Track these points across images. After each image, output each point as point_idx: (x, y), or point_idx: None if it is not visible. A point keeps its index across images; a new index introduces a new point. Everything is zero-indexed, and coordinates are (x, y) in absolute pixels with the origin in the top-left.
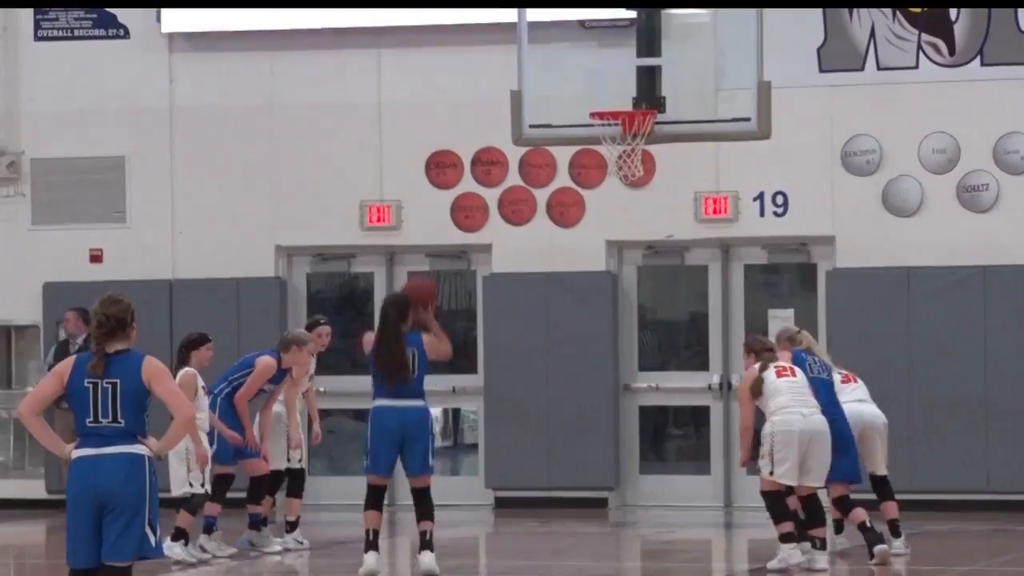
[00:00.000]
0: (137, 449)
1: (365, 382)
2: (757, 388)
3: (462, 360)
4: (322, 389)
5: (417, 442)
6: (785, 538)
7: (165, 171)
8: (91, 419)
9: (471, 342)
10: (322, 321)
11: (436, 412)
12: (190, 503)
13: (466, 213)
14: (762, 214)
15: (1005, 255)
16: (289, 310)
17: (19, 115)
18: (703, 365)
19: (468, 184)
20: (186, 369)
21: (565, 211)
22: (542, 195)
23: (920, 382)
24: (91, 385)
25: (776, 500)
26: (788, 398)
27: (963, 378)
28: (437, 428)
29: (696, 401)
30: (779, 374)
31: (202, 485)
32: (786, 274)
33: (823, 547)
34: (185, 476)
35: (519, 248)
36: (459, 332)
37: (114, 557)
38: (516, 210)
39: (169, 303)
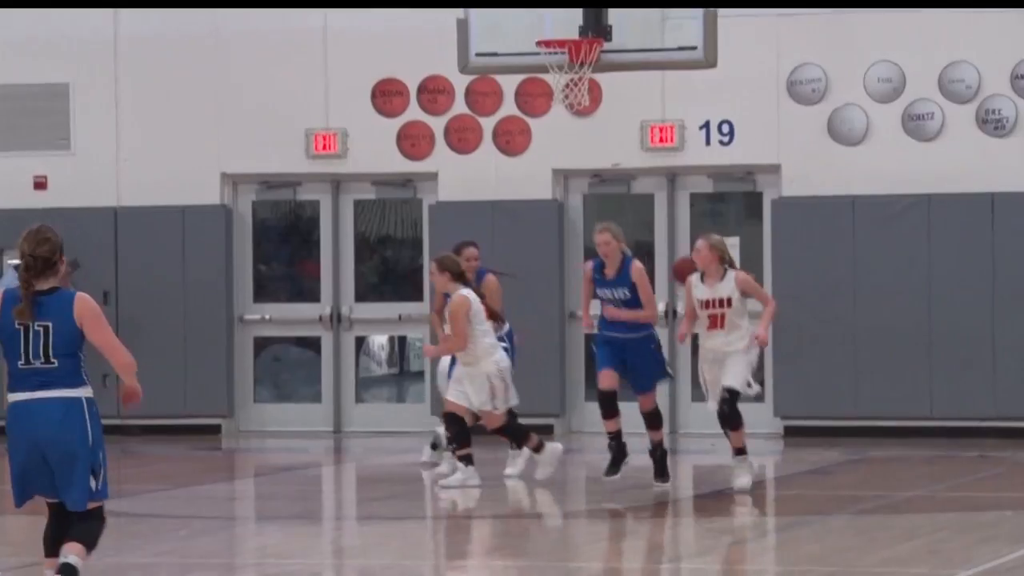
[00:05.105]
0: (74, 392)
1: (308, 310)
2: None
3: (408, 288)
4: (267, 317)
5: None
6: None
7: (110, 99)
8: (23, 362)
9: (417, 270)
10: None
11: (382, 340)
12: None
13: (412, 141)
14: (708, 143)
15: (950, 184)
16: (235, 238)
17: None
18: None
19: (414, 112)
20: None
21: (511, 140)
22: (488, 123)
23: (864, 310)
24: (22, 327)
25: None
26: (492, 333)
27: (907, 306)
28: (384, 355)
29: None
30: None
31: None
32: (732, 203)
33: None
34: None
35: (465, 176)
36: (404, 260)
37: (72, 506)
38: (462, 138)
39: (114, 231)
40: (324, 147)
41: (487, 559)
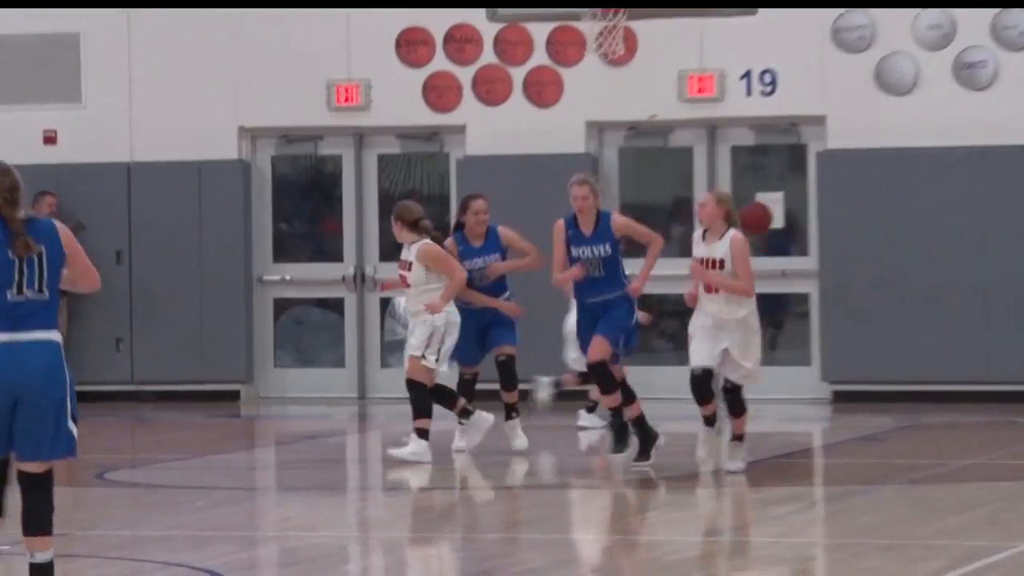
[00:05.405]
0: (51, 335)
1: (330, 270)
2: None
3: None
4: (288, 277)
5: None
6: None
7: (122, 49)
8: (14, 292)
9: (443, 227)
10: None
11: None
12: None
13: (438, 93)
14: (749, 93)
15: (1004, 134)
16: (253, 194)
17: None
18: (687, 251)
19: (440, 62)
20: None
21: (542, 91)
22: (518, 74)
23: (915, 269)
24: (16, 258)
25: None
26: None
27: (960, 264)
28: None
29: (681, 288)
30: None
31: None
32: (775, 156)
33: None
34: None
35: (494, 129)
36: (431, 217)
37: (41, 457)
38: (491, 90)
39: (127, 187)
40: (346, 99)
41: (522, 531)
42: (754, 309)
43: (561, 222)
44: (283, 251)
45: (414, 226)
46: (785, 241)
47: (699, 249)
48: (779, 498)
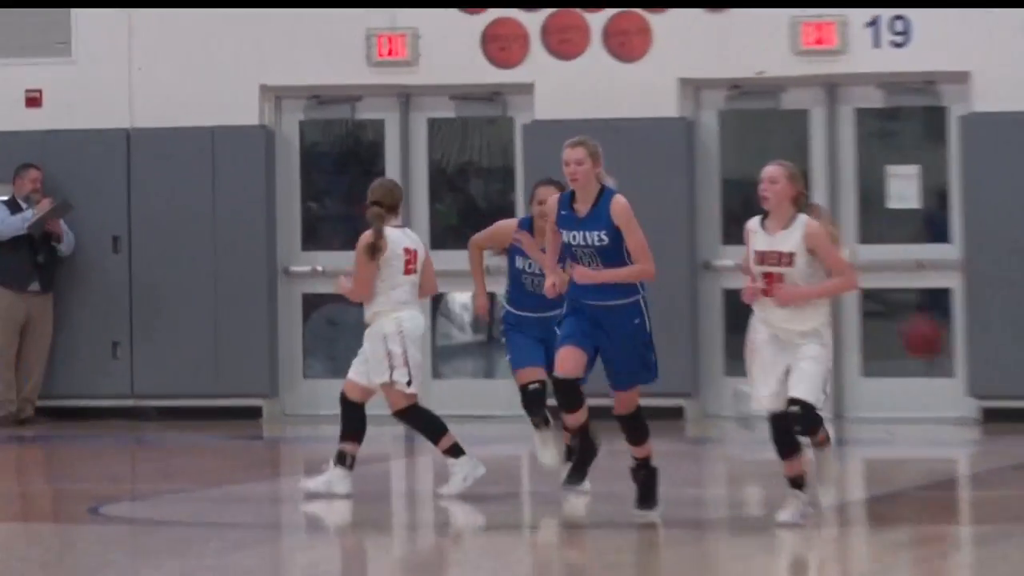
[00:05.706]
0: None
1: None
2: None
3: None
4: (320, 268)
5: None
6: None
7: None
8: None
9: (508, 207)
10: None
11: (465, 298)
12: None
13: (501, 44)
14: (878, 44)
15: None
16: (278, 168)
17: None
18: None
19: (503, 8)
20: None
21: (627, 41)
22: (597, 21)
23: None
24: None
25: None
26: (408, 292)
27: None
28: (467, 317)
29: None
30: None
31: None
32: (908, 121)
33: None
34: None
35: (568, 88)
36: (493, 194)
37: None
38: (564, 40)
39: (126, 157)
40: (390, 52)
41: None
42: (828, 320)
43: (555, 197)
44: (314, 237)
45: (367, 208)
46: (922, 226)
47: (759, 239)
48: (915, 539)
